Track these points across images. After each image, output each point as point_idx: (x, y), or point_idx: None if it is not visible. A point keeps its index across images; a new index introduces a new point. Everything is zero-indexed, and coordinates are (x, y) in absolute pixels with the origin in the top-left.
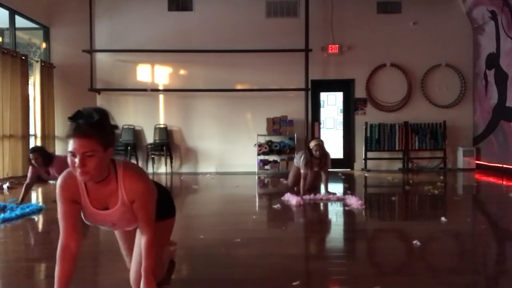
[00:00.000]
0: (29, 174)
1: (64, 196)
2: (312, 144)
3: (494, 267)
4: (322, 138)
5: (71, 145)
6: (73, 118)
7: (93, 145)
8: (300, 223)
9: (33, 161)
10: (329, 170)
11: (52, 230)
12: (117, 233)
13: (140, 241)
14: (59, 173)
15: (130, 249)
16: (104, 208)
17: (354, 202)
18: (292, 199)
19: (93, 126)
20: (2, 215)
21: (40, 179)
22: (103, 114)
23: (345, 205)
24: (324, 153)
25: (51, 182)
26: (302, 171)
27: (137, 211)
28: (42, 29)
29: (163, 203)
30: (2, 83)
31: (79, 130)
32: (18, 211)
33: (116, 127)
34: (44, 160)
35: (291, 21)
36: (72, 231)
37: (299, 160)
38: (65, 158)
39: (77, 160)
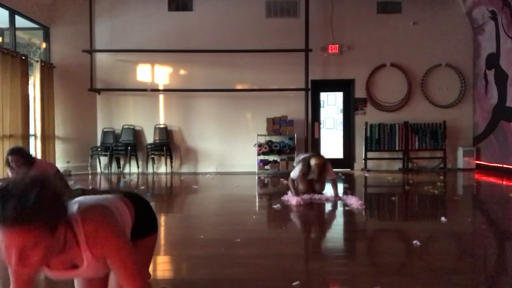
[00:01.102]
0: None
1: (9, 260)
2: (312, 162)
3: (494, 267)
4: (322, 138)
5: (1, 236)
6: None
7: (34, 234)
8: (300, 223)
9: (12, 164)
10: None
11: None
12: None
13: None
14: None
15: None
16: (72, 266)
17: (354, 202)
18: (292, 199)
19: (29, 211)
20: None
21: None
22: (42, 187)
23: (345, 205)
24: (324, 168)
25: None
26: (293, 177)
27: (114, 269)
28: (42, 29)
29: (143, 219)
30: (2, 83)
31: (9, 220)
32: None
33: (65, 190)
34: (25, 162)
35: (291, 21)
36: None
37: (296, 170)
38: (46, 163)
39: (13, 258)
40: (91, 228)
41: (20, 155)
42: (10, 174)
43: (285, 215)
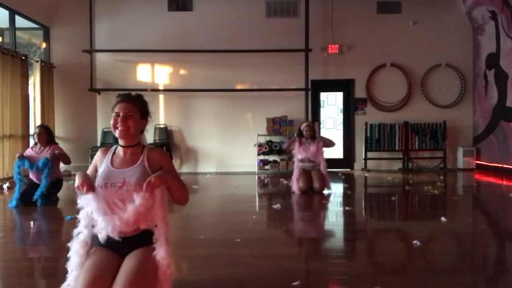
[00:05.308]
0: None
1: (94, 161)
2: (303, 125)
3: (494, 267)
4: (322, 135)
5: (116, 108)
6: (120, 95)
7: (133, 109)
8: (300, 223)
9: (35, 136)
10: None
11: (52, 231)
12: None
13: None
14: (54, 154)
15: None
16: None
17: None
18: (295, 189)
19: (134, 97)
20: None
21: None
22: (142, 96)
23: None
24: (316, 136)
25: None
26: (284, 146)
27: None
28: (42, 29)
29: None
30: (2, 83)
31: (123, 97)
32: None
33: (147, 104)
34: (47, 137)
35: (291, 21)
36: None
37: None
38: (61, 149)
39: (119, 118)
40: (153, 149)
41: (45, 131)
42: (27, 149)
43: (285, 215)
